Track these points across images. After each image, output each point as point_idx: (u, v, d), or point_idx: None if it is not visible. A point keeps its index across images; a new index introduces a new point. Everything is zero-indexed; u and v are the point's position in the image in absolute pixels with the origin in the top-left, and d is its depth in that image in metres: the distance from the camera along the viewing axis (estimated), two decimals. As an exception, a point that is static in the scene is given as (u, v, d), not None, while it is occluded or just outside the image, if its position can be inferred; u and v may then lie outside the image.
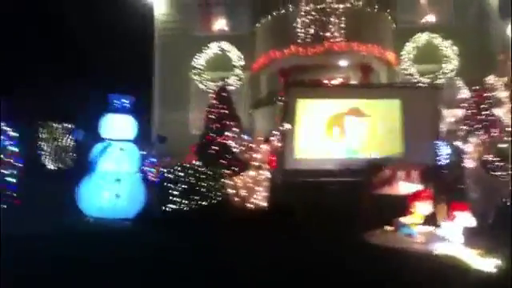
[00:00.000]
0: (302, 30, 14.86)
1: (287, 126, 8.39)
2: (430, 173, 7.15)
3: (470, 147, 8.70)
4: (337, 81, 15.11)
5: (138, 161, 7.31)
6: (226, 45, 17.13)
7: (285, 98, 9.62)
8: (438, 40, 16.29)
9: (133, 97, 7.32)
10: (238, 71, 16.98)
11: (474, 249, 6.00)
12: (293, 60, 14.83)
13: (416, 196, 6.28)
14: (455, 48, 16.10)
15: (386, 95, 10.00)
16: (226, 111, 8.95)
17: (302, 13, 14.97)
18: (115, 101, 7.24)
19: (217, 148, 8.44)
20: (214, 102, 9.34)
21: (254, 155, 7.66)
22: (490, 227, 7.34)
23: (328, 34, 14.63)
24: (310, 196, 7.54)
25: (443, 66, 16.15)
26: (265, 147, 7.68)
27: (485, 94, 9.54)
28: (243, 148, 7.47)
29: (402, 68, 16.28)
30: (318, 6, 14.84)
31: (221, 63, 17.17)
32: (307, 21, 14.89)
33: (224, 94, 9.44)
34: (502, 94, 14.99)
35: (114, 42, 17.84)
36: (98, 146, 7.12)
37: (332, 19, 14.73)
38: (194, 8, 17.76)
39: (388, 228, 6.55)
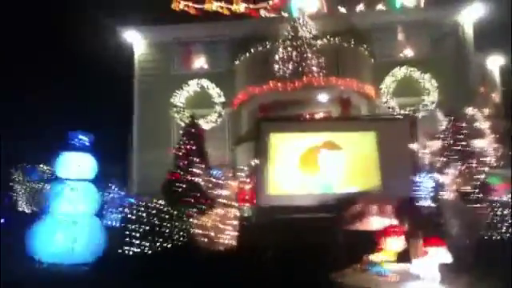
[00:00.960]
0: (281, 66, 14.83)
1: (256, 161, 8.11)
2: (404, 207, 6.83)
3: (448, 179, 8.47)
4: (317, 115, 15.00)
5: (95, 202, 6.93)
6: (205, 82, 17.06)
7: (257, 133, 9.37)
8: (416, 73, 16.34)
9: (92, 134, 7.00)
10: (218, 108, 16.84)
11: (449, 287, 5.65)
12: (272, 96, 14.73)
13: (385, 232, 5.93)
14: (434, 81, 16.11)
15: (361, 128, 9.80)
16: (194, 147, 8.66)
17: (280, 49, 14.98)
18: (73, 138, 6.92)
19: (184, 186, 8.11)
20: (183, 138, 9.07)
21: (222, 192, 7.34)
22: (470, 263, 7.00)
23: (306, 70, 14.60)
24: (281, 234, 7.19)
25: (423, 98, 16.12)
26: (233, 184, 7.36)
27: (462, 125, 9.37)
28: (210, 185, 7.13)
29: (382, 102, 16.21)
30: (295, 43, 14.87)
31: (201, 100, 17.05)
32: (285, 57, 14.88)
33: (193, 130, 9.18)
34: (482, 126, 14.98)
35: (94, 82, 17.74)
36: (54, 187, 6.76)
37: (310, 55, 14.75)
38: (172, 46, 17.79)
39: (359, 266, 6.18)
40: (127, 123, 17.49)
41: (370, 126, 9.92)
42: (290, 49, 14.94)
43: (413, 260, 6.17)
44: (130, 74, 17.81)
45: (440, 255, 5.96)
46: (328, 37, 15.27)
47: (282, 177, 9.08)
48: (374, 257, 5.97)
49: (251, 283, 5.80)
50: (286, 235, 7.12)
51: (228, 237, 7.09)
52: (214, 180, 7.25)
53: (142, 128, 17.42)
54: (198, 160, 8.10)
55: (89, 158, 6.95)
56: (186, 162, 8.41)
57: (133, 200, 12.32)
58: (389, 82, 16.39)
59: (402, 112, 15.85)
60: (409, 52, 17.17)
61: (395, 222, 6.72)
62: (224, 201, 7.25)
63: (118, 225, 8.41)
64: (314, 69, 14.64)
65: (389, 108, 16.09)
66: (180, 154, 8.66)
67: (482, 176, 8.83)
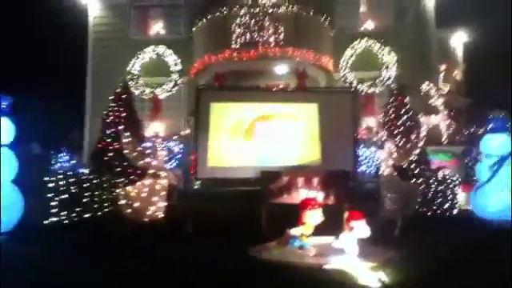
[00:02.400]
0: (237, 35, 14.43)
1: (187, 131, 7.84)
2: (332, 179, 6.74)
3: (386, 153, 8.43)
4: (274, 87, 14.71)
5: (12, 168, 6.57)
6: (162, 49, 16.50)
7: (197, 103, 9.05)
8: (376, 46, 16.14)
9: (10, 97, 6.58)
10: (174, 76, 16.37)
11: (369, 261, 5.63)
12: (227, 65, 14.36)
13: (304, 204, 5.82)
14: (393, 55, 15.96)
15: (303, 99, 9.57)
16: (124, 114, 8.26)
17: (238, 17, 14.53)
18: (-11, 102, 6.50)
19: (111, 155, 7.76)
20: (112, 104, 8.62)
21: (153, 162, 7.08)
22: (396, 238, 7.03)
23: (263, 39, 14.25)
24: (209, 208, 7.02)
25: (381, 72, 16.00)
26: (163, 154, 7.12)
27: (404, 100, 9.27)
28: (136, 155, 6.86)
29: (341, 75, 16.02)
30: (253, 10, 14.44)
31: (158, 68, 16.55)
32: (242, 25, 14.46)
33: (123, 96, 8.74)
34: (436, 102, 15.06)
35: (45, 46, 16.92)
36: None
37: (266, 24, 14.37)
38: (129, 10, 17.07)
39: (281, 240, 6.11)
40: (81, 90, 16.88)
41: (312, 97, 9.69)
42: (247, 16, 14.53)
43: (339, 234, 6.12)
44: (84, 38, 17.07)
45: (361, 229, 5.93)
46: (287, 5, 14.86)
47: (223, 148, 8.82)
48: (295, 230, 5.89)
49: (171, 256, 5.65)
50: (214, 208, 6.97)
51: (154, 208, 6.88)
52: (140, 149, 6.96)
53: (95, 94, 16.82)
54: (124, 128, 7.73)
55: (4, 122, 6.55)
56: (114, 130, 8.02)
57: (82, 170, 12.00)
58: (348, 55, 16.17)
59: (359, 86, 15.80)
60: (370, 24, 16.93)
61: (322, 195, 6.64)
62: (152, 171, 7.00)
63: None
64: (271, 38, 14.31)
65: (346, 82, 15.93)
66: (108, 121, 8.23)
67: (420, 151, 8.78)
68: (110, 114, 8.35)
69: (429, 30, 16.77)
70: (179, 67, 16.40)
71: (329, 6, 16.17)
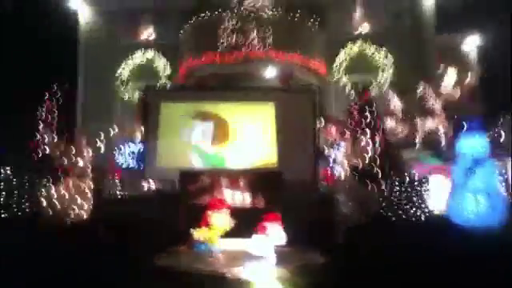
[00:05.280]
0: (222, 38, 14.05)
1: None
2: (260, 180, 6.14)
3: (340, 155, 7.78)
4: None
5: None
6: (151, 53, 16.29)
7: (145, 102, 8.59)
8: (371, 50, 15.40)
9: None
10: (163, 81, 16.10)
11: (283, 268, 5.02)
12: (210, 68, 13.96)
13: (209, 206, 5.23)
14: (390, 57, 15.17)
15: (259, 98, 8.97)
16: (56, 114, 7.84)
17: (223, 20, 14.15)
18: None
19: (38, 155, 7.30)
20: (46, 104, 8.18)
21: (77, 163, 6.66)
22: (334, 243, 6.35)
23: (247, 42, 13.82)
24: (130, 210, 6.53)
25: (379, 75, 15.20)
26: (89, 153, 6.68)
27: (369, 101, 8.49)
28: (59, 154, 6.45)
29: (334, 78, 15.34)
30: (240, 13, 14.04)
31: (147, 73, 16.32)
32: (227, 28, 14.07)
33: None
34: (434, 105, 14.10)
35: (35, 50, 16.91)
36: None
37: (252, 27, 13.93)
38: (120, 15, 16.91)
39: (187, 244, 5.55)
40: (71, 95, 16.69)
41: (268, 96, 9.08)
42: (233, 20, 14.13)
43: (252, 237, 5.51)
44: (75, 43, 17.03)
45: (275, 233, 5.30)
46: (275, 8, 14.40)
47: (173, 149, 8.32)
48: (197, 233, 5.32)
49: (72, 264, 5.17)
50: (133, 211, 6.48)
51: (75, 210, 6.42)
52: (63, 149, 6.55)
53: (86, 100, 16.68)
54: (52, 128, 7.32)
55: None
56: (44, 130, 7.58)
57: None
58: (341, 58, 15.50)
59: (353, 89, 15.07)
60: (366, 27, 16.21)
61: (247, 196, 6.06)
62: (76, 171, 6.57)
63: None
64: (256, 41, 13.85)
65: (341, 85, 15.23)
66: (41, 121, 7.80)
67: (389, 153, 8.00)
68: (43, 113, 7.95)
69: (427, 33, 15.90)
70: (168, 71, 16.14)
71: (323, 10, 15.61)
